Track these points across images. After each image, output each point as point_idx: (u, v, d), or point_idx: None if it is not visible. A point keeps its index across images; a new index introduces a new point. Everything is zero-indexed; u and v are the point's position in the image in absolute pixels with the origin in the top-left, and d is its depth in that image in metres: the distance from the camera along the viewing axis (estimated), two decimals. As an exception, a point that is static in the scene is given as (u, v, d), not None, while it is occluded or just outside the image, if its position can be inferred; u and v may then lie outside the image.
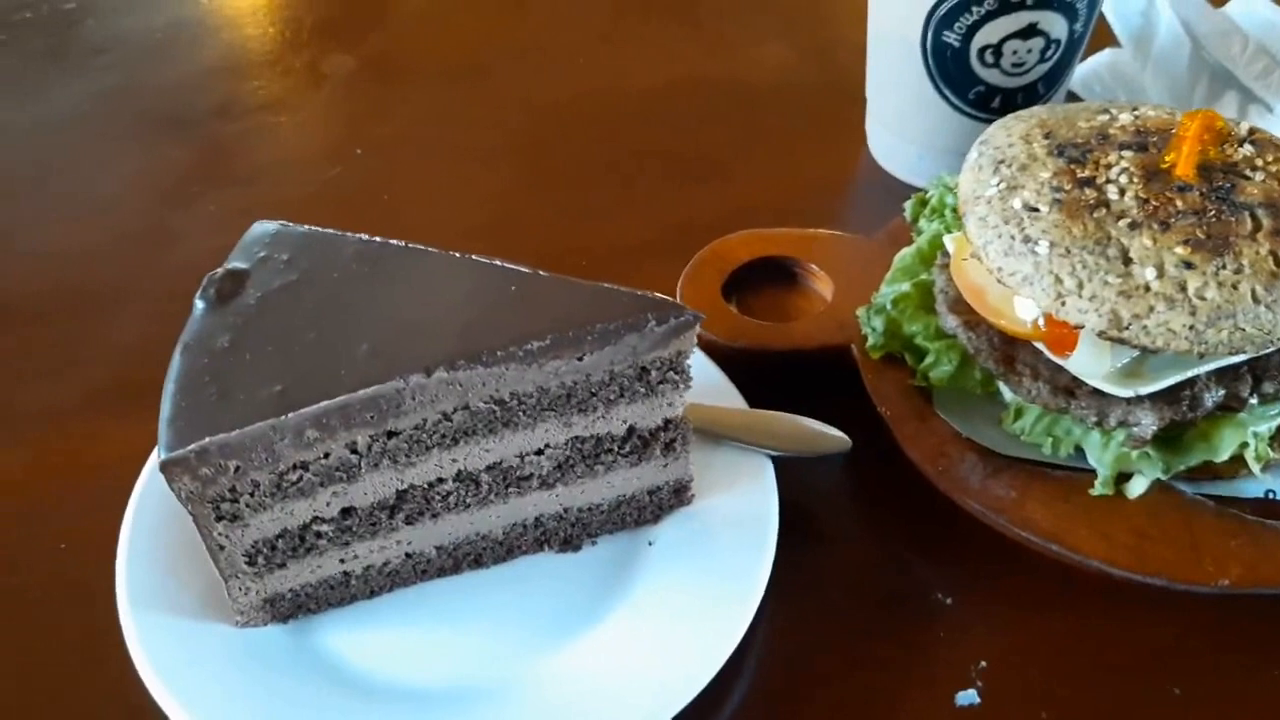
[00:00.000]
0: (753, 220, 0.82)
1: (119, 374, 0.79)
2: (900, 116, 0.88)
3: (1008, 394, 0.67)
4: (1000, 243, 0.62)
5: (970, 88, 0.81)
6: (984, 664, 0.61)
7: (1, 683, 0.62)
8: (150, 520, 0.64)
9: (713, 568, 0.62)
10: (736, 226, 0.82)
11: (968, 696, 0.60)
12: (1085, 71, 0.96)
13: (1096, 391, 0.63)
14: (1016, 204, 0.62)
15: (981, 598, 0.65)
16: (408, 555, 0.62)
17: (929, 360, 0.68)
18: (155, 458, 0.65)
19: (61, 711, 0.61)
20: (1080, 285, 0.59)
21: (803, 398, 0.69)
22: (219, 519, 0.55)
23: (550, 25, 1.11)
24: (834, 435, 0.67)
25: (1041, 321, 0.63)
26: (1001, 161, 0.65)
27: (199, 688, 0.57)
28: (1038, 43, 0.79)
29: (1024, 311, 0.64)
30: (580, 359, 0.55)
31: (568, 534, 0.65)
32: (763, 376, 0.70)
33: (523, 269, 0.57)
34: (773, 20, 1.10)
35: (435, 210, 0.91)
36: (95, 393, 0.77)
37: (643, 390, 0.58)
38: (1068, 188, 0.62)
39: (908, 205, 0.77)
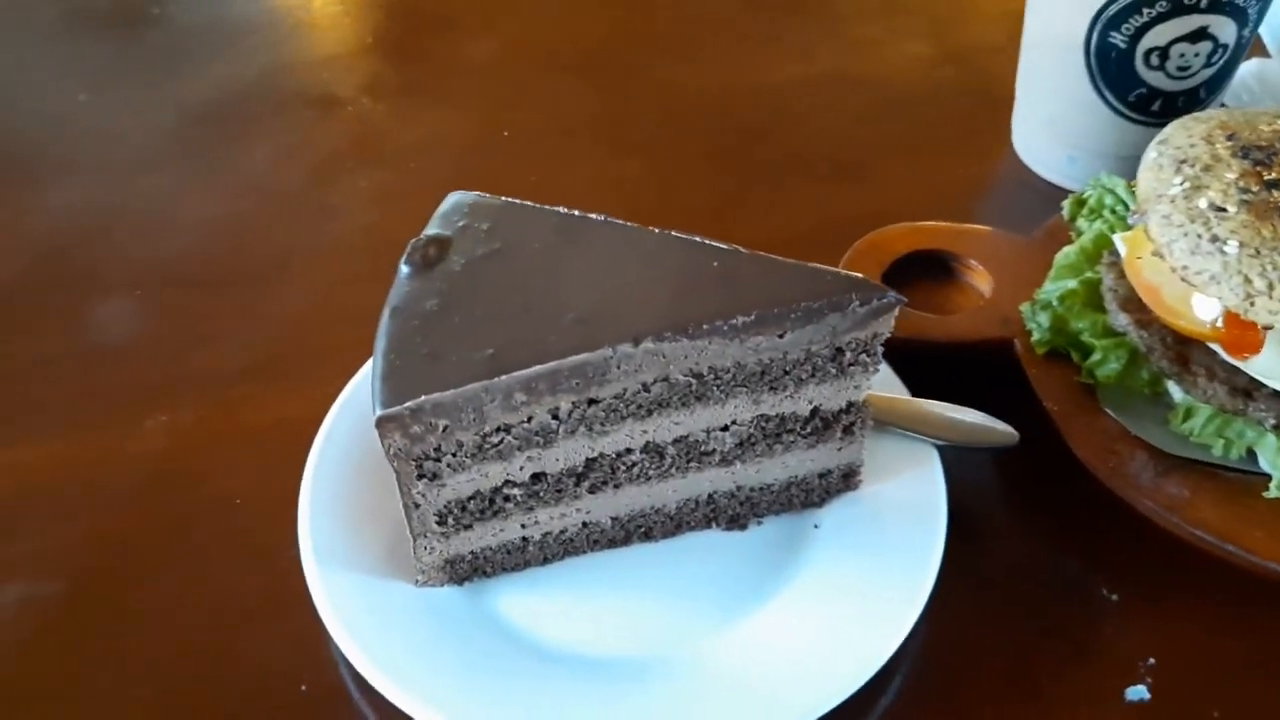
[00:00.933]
0: (895, 218, 0.83)
1: (280, 343, 0.81)
2: (1053, 118, 0.88)
3: (1177, 394, 0.67)
4: (1186, 241, 0.62)
5: (1131, 90, 0.81)
6: (1152, 661, 0.62)
7: (184, 629, 0.64)
8: (328, 482, 0.65)
9: (881, 555, 0.63)
10: (879, 224, 0.82)
11: (1137, 692, 0.60)
12: (1233, 79, 0.95)
13: (1277, 394, 0.63)
14: (1202, 204, 0.62)
15: (1149, 595, 0.65)
16: (584, 524, 0.63)
17: (1096, 358, 0.68)
18: (331, 420, 0.68)
19: (238, 658, 0.63)
20: (1271, 286, 0.59)
21: (959, 391, 0.69)
22: (420, 477, 0.57)
23: (688, 19, 1.12)
24: (1002, 429, 0.68)
25: (1221, 322, 0.63)
26: (1184, 161, 0.65)
27: (383, 640, 0.59)
28: (1205, 46, 0.79)
29: (1203, 311, 0.64)
30: (781, 336, 0.56)
31: (736, 512, 0.66)
32: (919, 368, 0.71)
33: (722, 245, 0.58)
34: (911, 21, 1.10)
35: (580, 197, 0.91)
36: (258, 360, 0.79)
37: (834, 371, 0.59)
38: (1255, 189, 0.62)
39: (1065, 205, 0.78)
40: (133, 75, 1.06)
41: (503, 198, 0.62)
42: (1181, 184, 0.64)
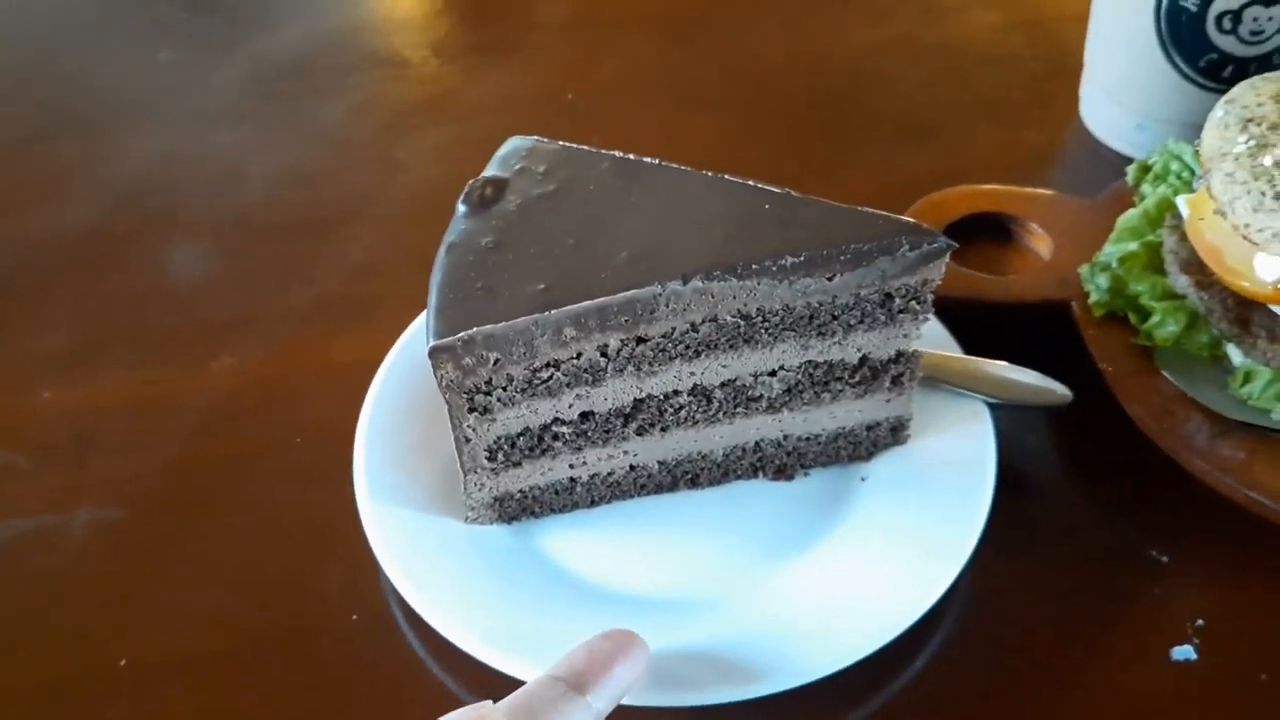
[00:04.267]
0: (960, 183, 0.82)
1: (347, 288, 0.83)
2: (1122, 84, 0.86)
3: (1236, 357, 0.66)
4: (1249, 199, 0.61)
5: (1202, 55, 0.80)
6: (1201, 622, 0.61)
7: (240, 557, 0.66)
8: (384, 421, 0.67)
9: (927, 508, 0.63)
10: (943, 187, 0.82)
11: (1183, 652, 0.60)
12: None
13: (1339, 357, 0.62)
14: (1267, 161, 0.62)
15: (1199, 558, 0.64)
16: (631, 467, 0.64)
17: (1154, 320, 0.68)
18: (390, 362, 0.70)
19: (292, 586, 0.65)
20: (1335, 244, 0.58)
21: (1013, 352, 0.69)
22: (471, 410, 0.58)
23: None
24: (1055, 388, 0.67)
25: (1284, 283, 0.62)
26: (1250, 120, 0.64)
27: (431, 572, 0.60)
28: (1279, 11, 0.77)
29: (1265, 272, 0.63)
30: (830, 279, 0.56)
31: (783, 462, 0.66)
32: (974, 328, 0.71)
33: (774, 189, 0.58)
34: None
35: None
36: (326, 304, 0.81)
37: (882, 318, 0.59)
38: (1322, 148, 0.61)
39: (1130, 170, 0.77)
40: (210, 36, 1.09)
41: (560, 142, 0.63)
42: (1247, 142, 0.63)
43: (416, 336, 0.71)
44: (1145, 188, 0.75)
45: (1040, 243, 0.78)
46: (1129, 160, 0.79)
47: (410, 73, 1.03)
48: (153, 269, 0.85)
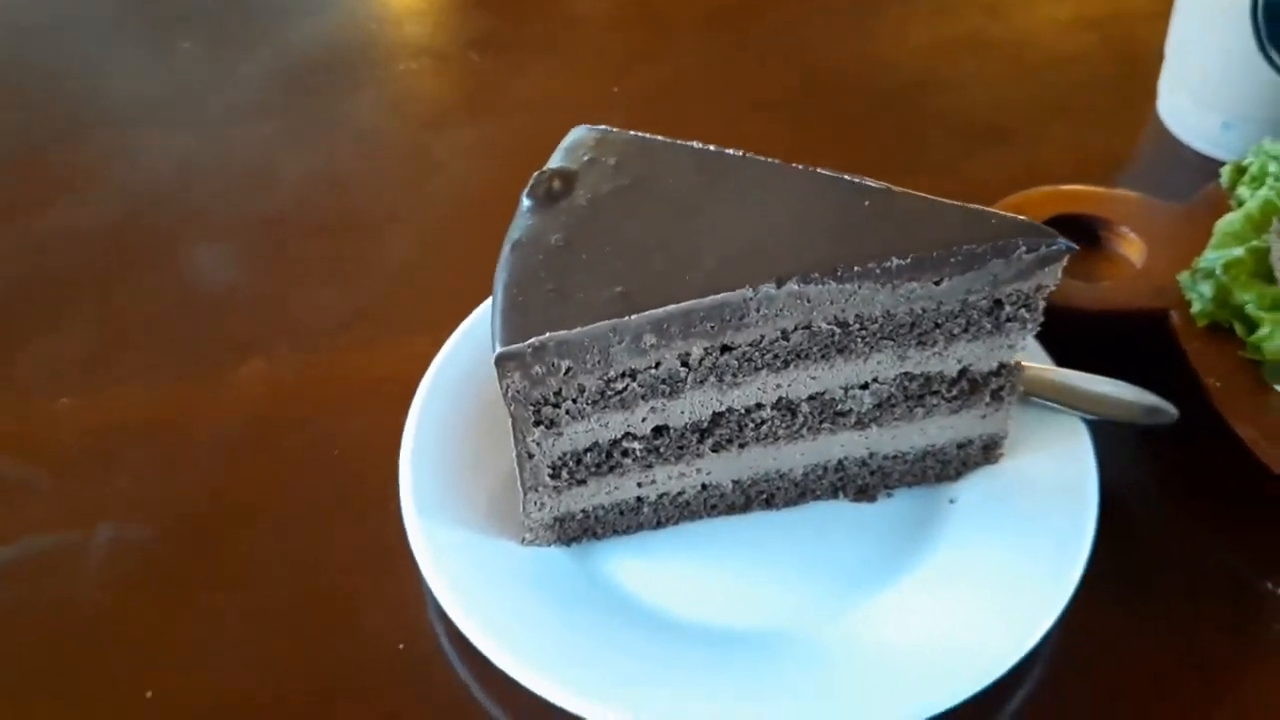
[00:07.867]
0: (1034, 185, 0.77)
1: (386, 291, 0.78)
2: (1209, 82, 0.81)
3: (1356, 373, 0.61)
4: (1379, 202, 0.56)
5: (1302, 51, 0.75)
6: (1328, 664, 0.56)
7: (277, 581, 0.61)
8: (432, 433, 0.62)
9: (1023, 536, 0.57)
10: (1019, 190, 0.77)
11: (1311, 697, 0.55)
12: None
13: None
14: (1397, 162, 0.57)
15: (1323, 592, 0.59)
16: (703, 486, 0.59)
17: (1263, 331, 0.63)
18: (435, 370, 0.65)
19: (333, 614, 0.60)
20: None
21: (1106, 364, 0.64)
22: (537, 424, 0.53)
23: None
24: (1159, 404, 0.62)
25: None
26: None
27: (486, 598, 0.55)
28: (1390, 4, 0.72)
29: (1392, 281, 0.58)
30: (938, 283, 0.51)
31: (866, 482, 0.61)
32: (1062, 339, 0.65)
33: (873, 183, 0.53)
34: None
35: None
36: (364, 308, 0.76)
37: (989, 326, 0.54)
38: None
39: (1224, 172, 0.72)
40: (236, 23, 1.04)
41: (631, 132, 0.58)
42: (1371, 142, 0.58)
43: (463, 343, 0.66)
44: (1242, 190, 0.70)
45: (1131, 248, 0.73)
46: (1212, 161, 0.74)
47: (447, 65, 0.98)
48: (175, 274, 0.80)
